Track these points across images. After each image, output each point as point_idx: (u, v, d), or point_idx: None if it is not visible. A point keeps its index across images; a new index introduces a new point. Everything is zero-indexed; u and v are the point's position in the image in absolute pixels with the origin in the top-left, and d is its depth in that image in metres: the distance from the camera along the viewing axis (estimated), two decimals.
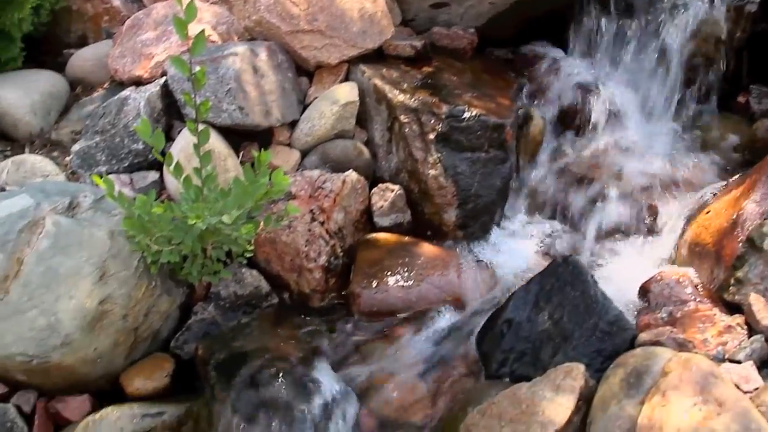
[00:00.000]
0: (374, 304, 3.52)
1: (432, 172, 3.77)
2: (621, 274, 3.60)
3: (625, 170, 3.99)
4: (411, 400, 3.22)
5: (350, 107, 3.95)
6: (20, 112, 4.12)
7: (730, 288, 3.22)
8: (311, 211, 3.63)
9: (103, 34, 4.66)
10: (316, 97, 4.02)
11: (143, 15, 4.30)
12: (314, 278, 3.58)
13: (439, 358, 3.33)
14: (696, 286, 3.34)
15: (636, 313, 3.34)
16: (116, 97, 3.96)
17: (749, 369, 2.88)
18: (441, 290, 3.53)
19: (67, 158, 3.94)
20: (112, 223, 3.39)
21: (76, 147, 3.92)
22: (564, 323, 3.14)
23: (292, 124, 3.98)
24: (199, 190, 3.29)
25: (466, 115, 3.81)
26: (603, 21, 4.34)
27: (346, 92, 3.97)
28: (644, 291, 3.39)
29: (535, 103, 4.21)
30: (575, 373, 2.91)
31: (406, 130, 3.82)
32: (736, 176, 3.73)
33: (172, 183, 3.60)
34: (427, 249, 3.68)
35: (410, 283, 3.53)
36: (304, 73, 4.16)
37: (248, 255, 3.56)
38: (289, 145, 3.95)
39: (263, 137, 3.90)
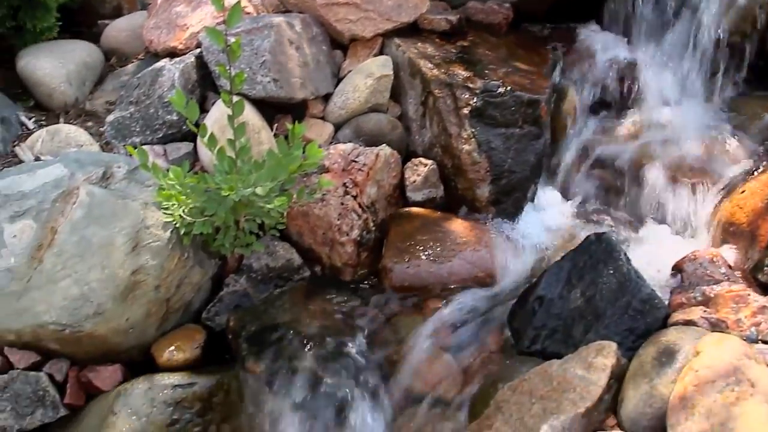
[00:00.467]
0: (406, 279, 3.51)
1: (466, 147, 3.75)
2: (654, 253, 3.57)
3: (659, 148, 3.96)
4: (441, 375, 3.22)
5: (384, 81, 3.94)
6: (55, 81, 4.13)
7: (765, 268, 3.21)
8: (344, 184, 3.62)
9: (138, 5, 4.68)
10: (350, 71, 4.02)
11: None
12: (346, 252, 3.58)
13: (470, 334, 3.32)
14: (730, 266, 3.32)
15: (669, 292, 3.32)
16: (151, 68, 3.96)
17: None
18: (473, 266, 3.52)
19: (102, 129, 3.95)
20: (145, 193, 3.40)
21: (110, 117, 3.93)
22: (596, 301, 3.13)
23: (326, 98, 3.97)
24: (232, 161, 3.29)
25: (501, 90, 3.79)
26: None
27: (381, 66, 3.96)
28: (677, 270, 3.37)
29: (570, 79, 4.18)
30: (607, 351, 2.90)
31: (440, 104, 3.80)
32: None
33: (206, 154, 3.60)
34: (460, 224, 3.67)
35: (442, 258, 3.52)
36: (339, 46, 4.15)
37: (280, 228, 3.56)
38: (322, 118, 3.94)
39: (297, 110, 3.89)
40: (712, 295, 3.15)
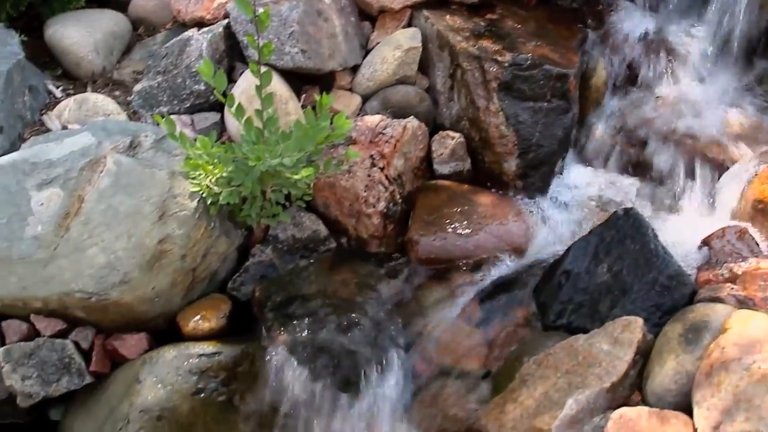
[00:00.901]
0: (432, 252, 3.51)
1: (493, 120, 3.74)
2: (682, 229, 3.55)
3: (690, 123, 3.93)
4: (466, 347, 3.22)
5: (412, 53, 3.92)
6: (83, 50, 4.13)
7: None
8: (371, 156, 3.61)
9: None
10: (378, 42, 4.00)
11: None
12: (372, 224, 3.58)
13: (496, 308, 3.32)
14: (758, 244, 3.30)
15: (696, 268, 3.30)
16: (179, 38, 3.95)
17: None
18: (499, 239, 3.51)
19: (129, 98, 3.95)
20: (172, 163, 3.40)
21: (137, 87, 3.93)
22: (623, 276, 3.12)
23: (354, 69, 3.96)
24: (260, 132, 3.29)
25: (530, 63, 3.77)
26: None
27: (409, 38, 3.94)
28: (705, 246, 3.35)
29: (600, 53, 4.15)
30: (633, 327, 2.89)
31: (469, 77, 3.79)
32: None
33: (233, 125, 3.60)
34: (487, 198, 3.66)
35: (469, 231, 3.52)
36: (367, 17, 4.13)
37: (307, 199, 3.56)
38: (350, 89, 3.93)
39: (325, 81, 3.89)
40: (739, 273, 3.13)
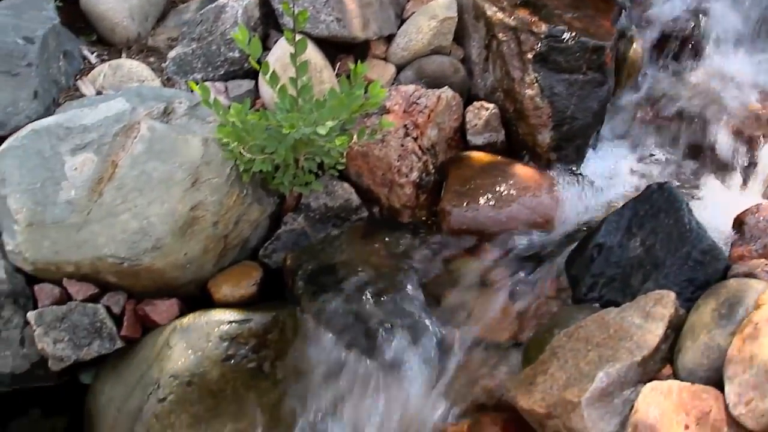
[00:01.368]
0: (464, 222, 3.50)
1: (528, 92, 3.72)
2: (716, 205, 3.53)
3: (726, 100, 3.90)
4: (497, 319, 3.22)
5: (448, 23, 3.91)
6: (118, 16, 4.13)
7: None
8: (405, 126, 3.60)
9: None
10: (413, 12, 3.99)
11: None
12: (405, 194, 3.57)
13: (527, 280, 3.31)
14: None
15: (729, 244, 3.28)
16: (214, 5, 3.95)
17: None
18: (532, 211, 3.50)
19: (163, 64, 3.96)
20: (206, 130, 3.41)
21: (172, 53, 3.93)
22: (656, 250, 3.10)
23: (389, 38, 3.95)
24: (294, 100, 3.28)
25: (566, 35, 3.74)
26: None
27: (445, 8, 3.92)
28: (739, 223, 3.32)
29: (637, 26, 4.12)
30: (665, 301, 2.87)
31: (504, 48, 3.76)
32: None
33: (267, 92, 3.59)
34: (520, 169, 3.64)
35: (501, 202, 3.50)
36: None
37: (340, 168, 3.55)
38: (384, 59, 3.92)
39: (359, 50, 3.87)
40: None
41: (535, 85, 3.70)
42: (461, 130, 3.80)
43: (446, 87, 3.76)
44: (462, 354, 3.17)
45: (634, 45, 4.02)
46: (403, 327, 3.09)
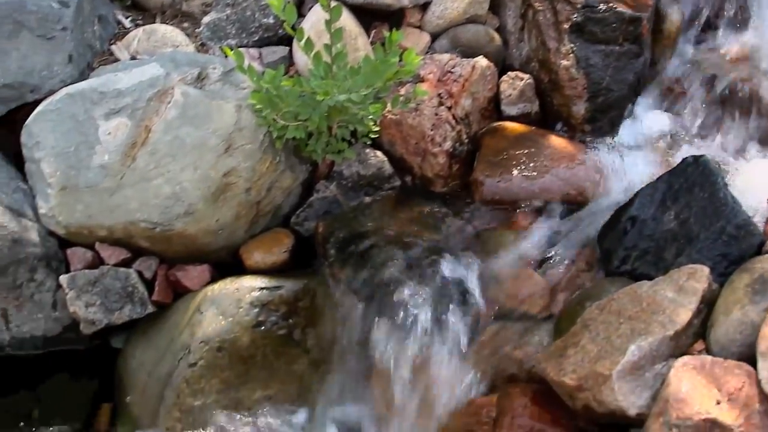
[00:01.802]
0: (497, 193, 3.48)
1: (564, 62, 3.69)
2: (752, 180, 3.49)
3: (765, 73, 3.86)
4: (528, 290, 3.21)
5: None
6: None
7: None
8: (439, 95, 3.58)
9: None
10: None
11: None
12: (438, 163, 3.56)
13: (560, 251, 3.30)
14: None
15: (765, 219, 3.25)
16: None
17: None
18: (565, 183, 3.48)
19: (197, 30, 3.95)
20: (239, 96, 3.40)
21: (206, 19, 3.92)
22: (690, 224, 3.08)
23: (424, 7, 3.91)
24: (328, 67, 3.27)
25: (602, 6, 3.70)
26: None
27: None
28: None
29: None
30: (699, 275, 2.86)
31: (540, 18, 3.73)
32: None
33: (301, 59, 3.58)
34: (554, 141, 3.61)
35: (535, 173, 3.48)
36: None
37: (373, 136, 3.53)
38: (419, 27, 3.89)
39: (394, 18, 3.85)
40: None
41: (571, 55, 3.68)
42: (495, 100, 3.77)
43: (481, 56, 3.72)
44: (492, 324, 3.17)
45: (671, 16, 3.98)
46: (434, 296, 3.09)
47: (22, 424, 3.43)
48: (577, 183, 3.49)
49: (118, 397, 3.51)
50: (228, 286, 3.34)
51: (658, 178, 3.27)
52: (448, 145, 3.56)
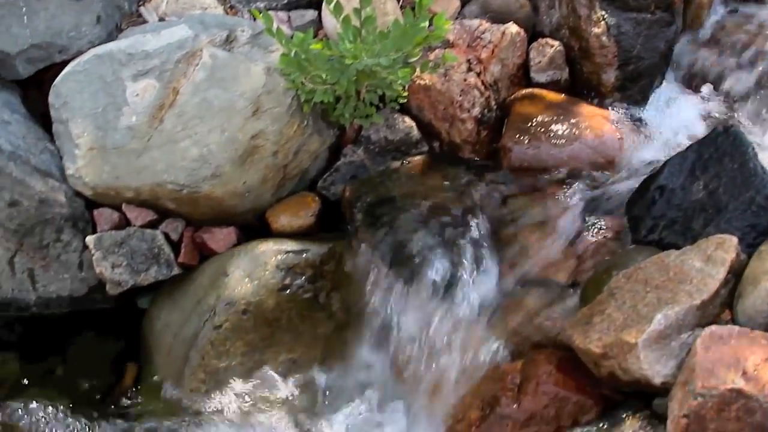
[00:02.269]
0: (525, 160, 3.47)
1: (595, 30, 3.66)
2: None
3: None
4: (554, 258, 3.20)
5: None
6: None
7: None
8: (468, 61, 3.57)
9: None
10: None
11: None
12: (466, 129, 3.54)
13: (587, 219, 3.28)
14: None
15: None
16: None
17: None
18: (594, 151, 3.46)
19: None
20: (268, 59, 3.40)
21: None
22: (719, 194, 3.05)
23: None
24: (357, 31, 3.25)
25: None
26: None
27: None
28: None
29: None
30: (727, 245, 2.84)
31: None
32: None
33: (330, 23, 3.57)
34: (583, 109, 3.59)
35: (563, 141, 3.46)
36: None
37: (401, 101, 3.52)
38: None
39: None
40: None
41: (602, 23, 3.65)
42: (525, 67, 3.75)
43: (511, 22, 3.70)
44: (517, 291, 3.17)
45: None
46: (461, 262, 3.09)
47: (47, 382, 3.46)
48: (605, 151, 3.47)
49: (143, 357, 3.54)
50: (254, 249, 3.35)
51: (687, 148, 3.25)
52: (476, 111, 3.54)
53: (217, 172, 3.27)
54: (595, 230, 3.26)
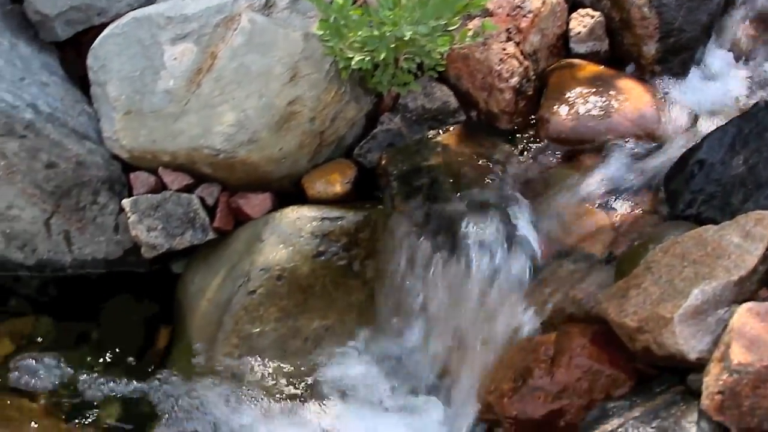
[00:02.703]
0: (563, 131, 3.44)
1: (636, 1, 3.62)
2: None
3: None
4: (591, 230, 3.18)
5: None
6: None
7: None
8: (507, 30, 3.54)
9: None
10: None
11: None
12: (504, 99, 3.52)
13: (624, 192, 3.26)
14: None
15: None
16: None
17: None
18: (633, 123, 3.43)
19: None
20: (306, 24, 3.39)
21: None
22: (759, 170, 3.03)
23: None
24: None
25: None
26: None
27: None
28: None
29: None
30: (766, 222, 2.81)
31: None
32: None
33: None
34: (623, 81, 3.56)
35: (602, 113, 3.43)
36: None
37: (440, 69, 3.50)
38: None
39: None
40: None
41: None
42: (564, 37, 3.72)
43: None
44: (553, 263, 3.15)
45: None
46: (497, 232, 3.08)
47: (81, 343, 3.48)
48: (644, 124, 3.44)
49: (177, 321, 3.55)
50: (289, 215, 3.35)
51: (728, 122, 3.22)
52: (515, 81, 3.52)
53: (254, 137, 3.27)
54: (633, 204, 3.24)
